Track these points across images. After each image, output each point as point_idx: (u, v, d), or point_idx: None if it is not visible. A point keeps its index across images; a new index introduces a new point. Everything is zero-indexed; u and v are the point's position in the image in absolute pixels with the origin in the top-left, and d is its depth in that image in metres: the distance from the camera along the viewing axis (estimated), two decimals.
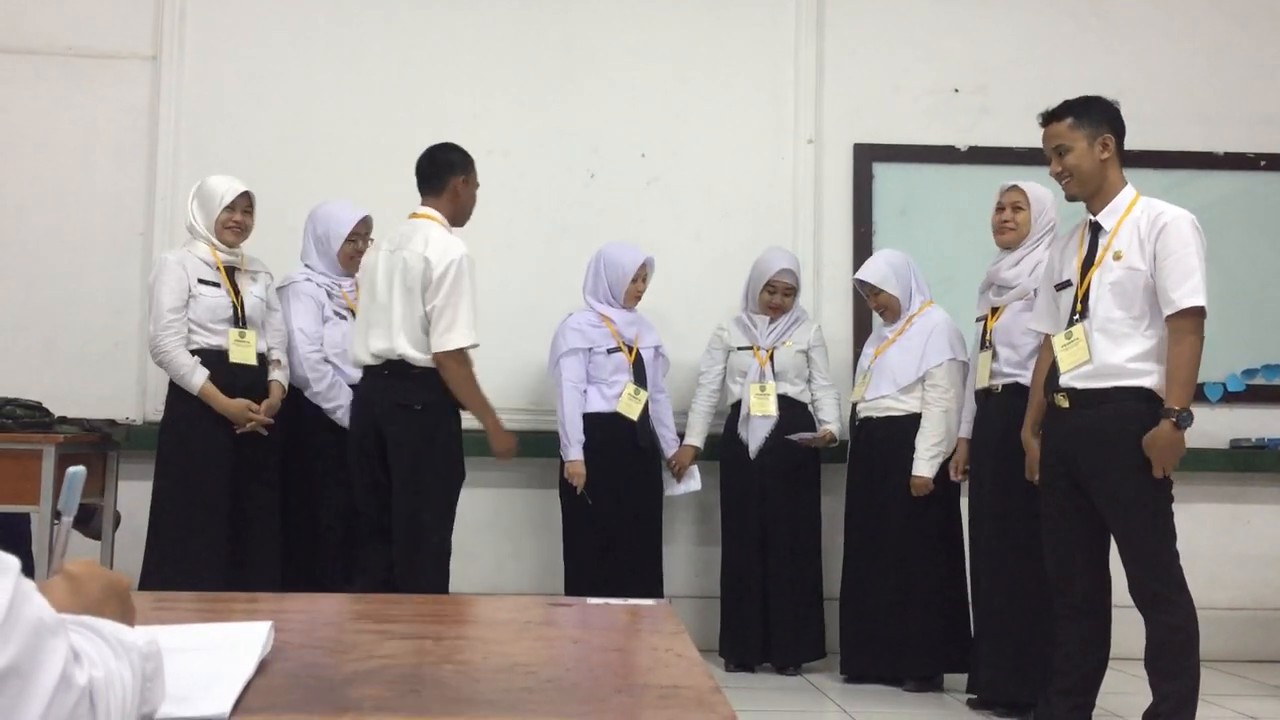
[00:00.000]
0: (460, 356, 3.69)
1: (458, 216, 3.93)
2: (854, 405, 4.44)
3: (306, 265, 4.31)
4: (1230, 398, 5.14)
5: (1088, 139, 3.26)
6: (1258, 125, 5.24)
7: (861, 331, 4.92)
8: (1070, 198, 3.39)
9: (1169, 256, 3.11)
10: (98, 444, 4.32)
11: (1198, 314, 3.11)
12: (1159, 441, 3.11)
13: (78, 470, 1.09)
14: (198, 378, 3.93)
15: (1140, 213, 3.21)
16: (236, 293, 4.04)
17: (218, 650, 1.02)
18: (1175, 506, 5.01)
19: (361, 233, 4.29)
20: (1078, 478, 3.24)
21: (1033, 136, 5.00)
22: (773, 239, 4.79)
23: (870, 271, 4.41)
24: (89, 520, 4.44)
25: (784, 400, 4.50)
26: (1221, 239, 5.24)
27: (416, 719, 0.89)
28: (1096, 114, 3.29)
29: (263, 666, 1.04)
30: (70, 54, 4.99)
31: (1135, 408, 3.14)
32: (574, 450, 4.35)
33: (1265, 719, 3.91)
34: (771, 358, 4.53)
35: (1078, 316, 3.24)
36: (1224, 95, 5.25)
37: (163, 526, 3.95)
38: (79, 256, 4.91)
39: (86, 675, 0.76)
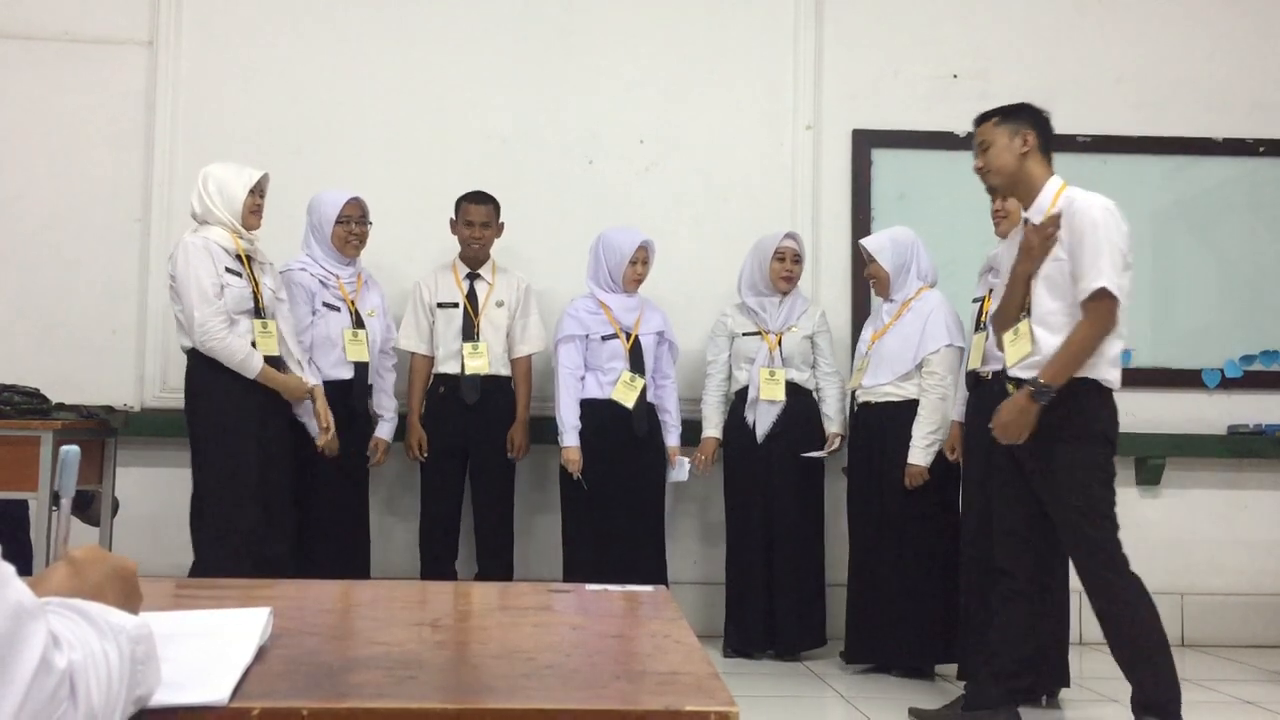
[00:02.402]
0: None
1: (462, 252, 4.60)
2: (852, 391, 4.44)
3: (307, 254, 4.32)
4: (1228, 384, 5.15)
5: (1008, 135, 3.34)
6: (1256, 111, 5.23)
7: (860, 317, 4.92)
8: (990, 190, 3.49)
9: (1078, 244, 3.15)
10: (96, 430, 4.32)
11: (1105, 296, 3.10)
12: (1004, 409, 3.19)
13: (71, 449, 1.08)
14: (255, 361, 3.87)
15: (1063, 203, 3.24)
16: (255, 282, 3.98)
17: (217, 636, 1.02)
18: (1173, 492, 5.09)
19: (353, 215, 4.29)
20: (1021, 463, 3.27)
21: None
22: (771, 225, 4.77)
23: (871, 239, 4.46)
24: (87, 506, 4.44)
25: (790, 386, 4.49)
26: (1219, 225, 5.26)
27: (415, 705, 0.89)
28: (1021, 115, 3.38)
29: (262, 653, 1.04)
30: (66, 39, 4.97)
31: (1077, 401, 3.16)
32: (569, 436, 4.37)
33: (1262, 704, 3.92)
34: (780, 342, 4.52)
35: (1025, 313, 3.30)
36: (1223, 81, 5.24)
37: (208, 511, 3.84)
38: (76, 243, 4.91)
39: (66, 658, 0.75)
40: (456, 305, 4.53)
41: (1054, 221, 3.23)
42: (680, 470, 4.57)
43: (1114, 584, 3.14)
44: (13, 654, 0.71)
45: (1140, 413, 5.10)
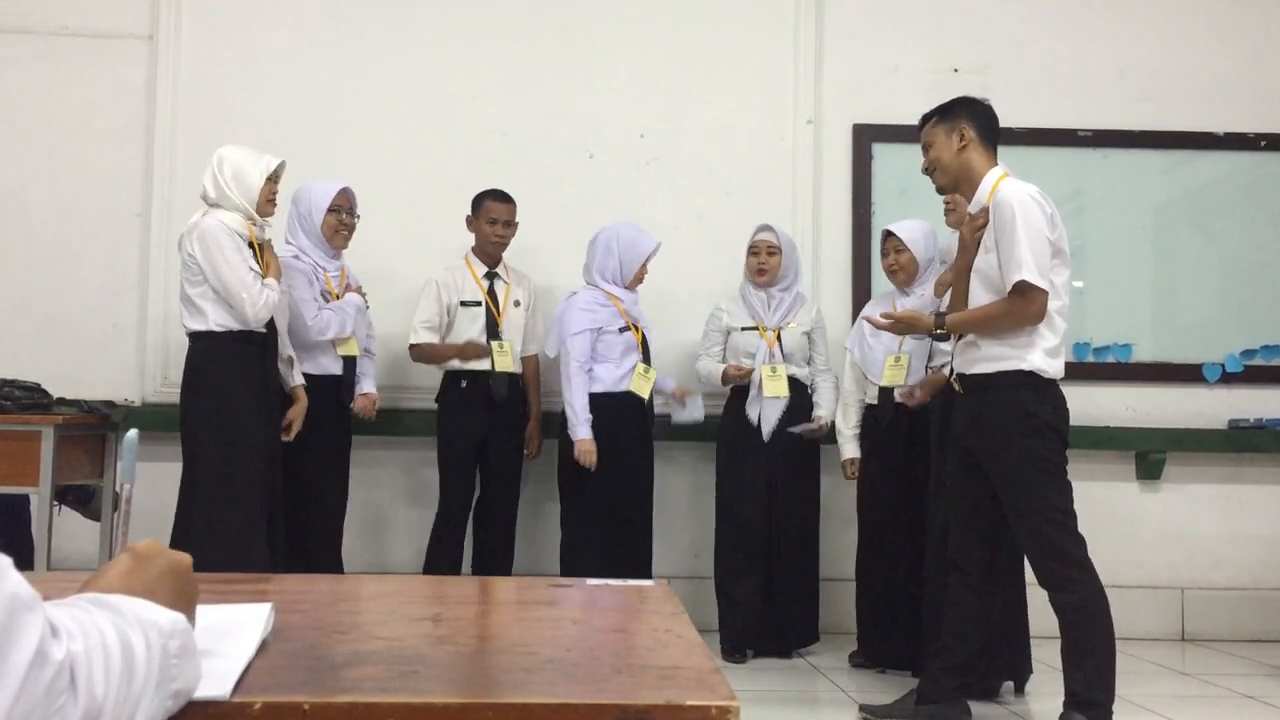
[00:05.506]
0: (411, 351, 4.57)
1: (480, 248, 4.61)
2: (887, 390, 4.21)
3: (291, 244, 4.24)
4: (1229, 378, 5.15)
5: (945, 133, 3.38)
6: (1258, 105, 5.23)
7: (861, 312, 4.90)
8: (939, 190, 3.54)
9: (1001, 236, 3.18)
10: (96, 425, 4.33)
11: (1027, 289, 3.14)
12: (911, 315, 3.45)
13: (134, 434, 1.09)
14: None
15: (996, 195, 3.26)
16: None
17: (219, 631, 1.02)
18: (1173, 486, 5.10)
19: (344, 205, 4.23)
20: (979, 460, 3.29)
21: (1035, 117, 5.05)
22: (772, 219, 4.75)
23: (903, 228, 4.29)
24: (89, 501, 4.45)
25: (790, 381, 4.45)
26: (1221, 219, 5.27)
27: (417, 700, 0.89)
28: (957, 110, 3.41)
29: (263, 647, 1.05)
30: (66, 34, 4.97)
31: (1017, 394, 3.19)
32: (583, 429, 4.29)
33: (1262, 698, 3.92)
34: (779, 338, 4.50)
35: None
36: (1225, 75, 5.24)
37: (206, 509, 3.76)
38: (77, 237, 4.91)
39: (64, 649, 0.75)
40: (479, 304, 4.52)
41: (983, 215, 3.26)
42: (694, 407, 4.55)
43: (1074, 579, 3.14)
44: (7, 647, 0.70)
45: (1141, 407, 5.12)
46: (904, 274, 4.27)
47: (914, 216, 4.49)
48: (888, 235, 4.32)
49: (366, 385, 4.39)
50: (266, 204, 3.90)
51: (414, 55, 5.05)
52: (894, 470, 4.22)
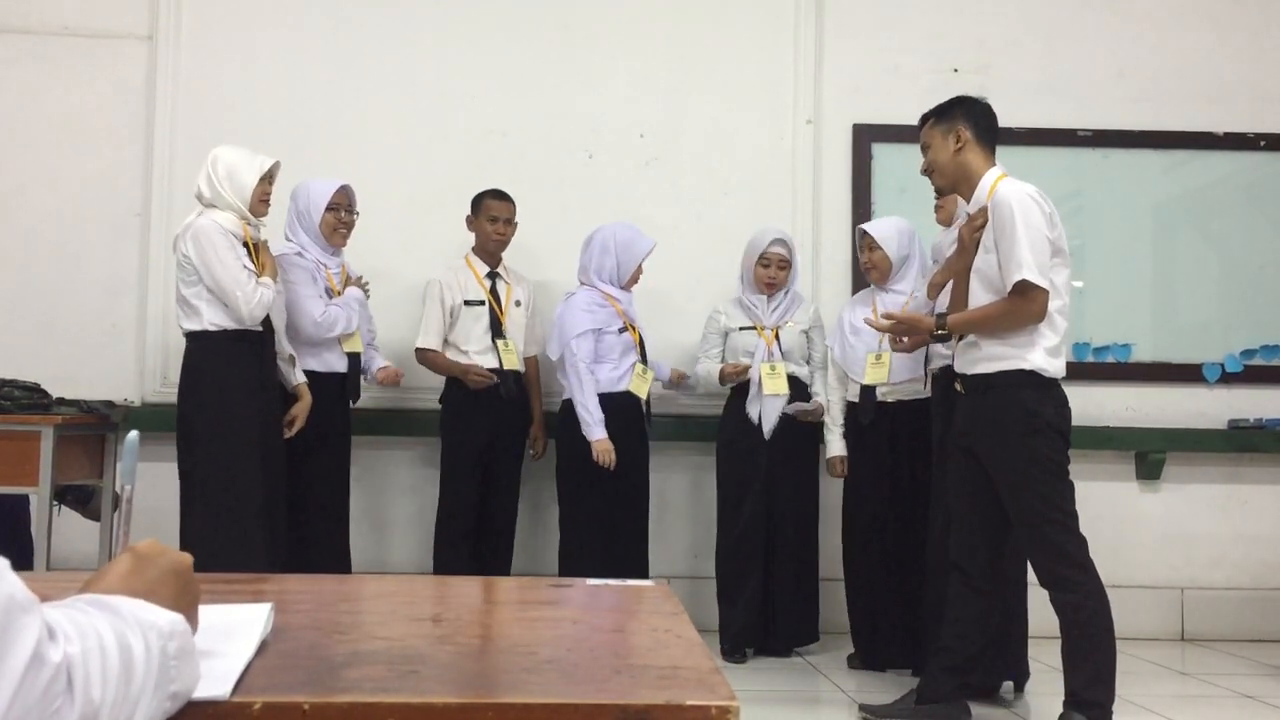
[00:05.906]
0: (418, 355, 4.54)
1: (481, 247, 4.61)
2: (869, 389, 4.24)
3: (291, 240, 4.25)
4: (1228, 378, 5.15)
5: (942, 134, 3.39)
6: (1258, 105, 5.23)
7: None
8: (938, 191, 3.57)
9: (1000, 236, 3.18)
10: (96, 425, 4.32)
11: (1028, 288, 3.14)
12: (912, 317, 3.45)
13: (135, 436, 1.09)
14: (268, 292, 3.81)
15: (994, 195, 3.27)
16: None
17: (219, 631, 1.02)
18: (1173, 486, 5.10)
19: (342, 203, 4.23)
20: (980, 460, 3.30)
21: (1035, 117, 5.05)
22: (772, 219, 4.76)
23: (876, 226, 4.35)
24: (88, 501, 4.45)
25: (789, 380, 4.45)
26: (1220, 219, 5.27)
27: (417, 700, 0.89)
28: (954, 111, 3.41)
29: (263, 647, 1.05)
30: (66, 34, 4.97)
31: (1019, 394, 3.19)
32: (598, 429, 4.28)
33: (1262, 698, 3.92)
34: (777, 337, 4.50)
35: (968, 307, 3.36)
36: (1224, 75, 5.24)
37: (206, 509, 3.75)
38: (76, 237, 4.91)
39: (61, 652, 0.75)
40: (483, 303, 4.52)
41: (981, 214, 3.26)
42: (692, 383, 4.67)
43: (1074, 580, 3.14)
44: (3, 649, 0.70)
45: (1141, 407, 5.12)
46: (878, 271, 4.32)
47: (914, 216, 4.49)
48: (863, 234, 4.37)
49: (381, 363, 4.40)
50: (260, 204, 3.89)
51: (413, 56, 5.05)
52: (877, 468, 4.24)
